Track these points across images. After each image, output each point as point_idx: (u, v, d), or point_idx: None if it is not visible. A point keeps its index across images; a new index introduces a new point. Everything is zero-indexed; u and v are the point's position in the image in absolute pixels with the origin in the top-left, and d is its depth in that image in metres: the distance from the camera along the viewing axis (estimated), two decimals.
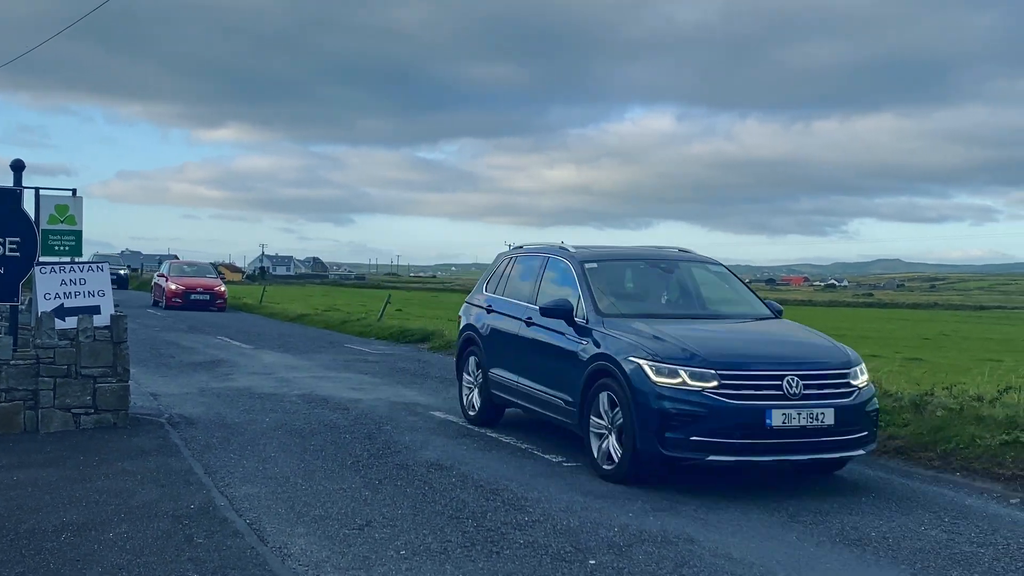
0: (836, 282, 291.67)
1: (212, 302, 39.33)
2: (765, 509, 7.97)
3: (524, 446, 10.46)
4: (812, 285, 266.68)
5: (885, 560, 6.66)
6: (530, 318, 10.52)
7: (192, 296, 39.05)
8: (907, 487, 9.00)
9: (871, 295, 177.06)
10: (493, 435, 11.08)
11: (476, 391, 11.76)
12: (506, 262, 12.03)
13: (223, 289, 40.64)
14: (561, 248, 10.93)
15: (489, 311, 11.69)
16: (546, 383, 10.08)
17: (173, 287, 39.33)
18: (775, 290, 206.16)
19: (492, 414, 11.57)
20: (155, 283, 44.01)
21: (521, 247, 12.08)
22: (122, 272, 63.29)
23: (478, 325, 11.83)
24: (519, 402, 10.78)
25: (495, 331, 11.39)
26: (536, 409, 10.43)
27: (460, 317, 12.56)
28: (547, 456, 9.95)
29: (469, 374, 11.97)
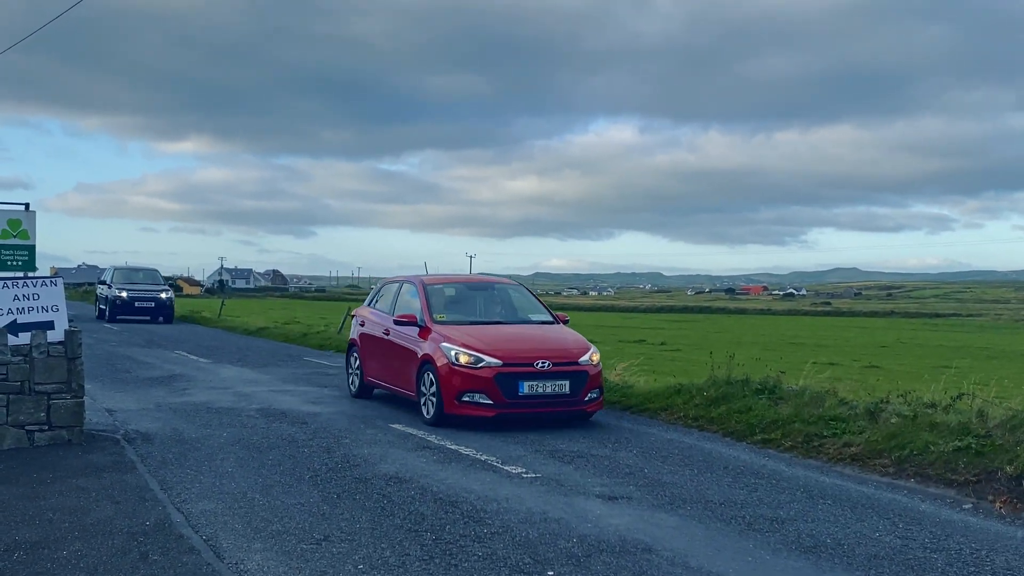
0: (795, 291, 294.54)
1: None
2: (722, 518, 8.03)
3: (484, 458, 10.46)
4: (771, 294, 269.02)
5: (840, 567, 6.74)
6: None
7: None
8: (862, 494, 9.11)
9: (829, 304, 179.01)
10: (453, 447, 11.07)
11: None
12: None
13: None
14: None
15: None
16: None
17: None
18: (734, 299, 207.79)
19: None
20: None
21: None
22: (164, 296, 39.28)
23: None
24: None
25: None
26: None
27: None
28: (506, 468, 9.96)
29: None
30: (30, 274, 11.45)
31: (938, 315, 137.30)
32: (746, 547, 7.18)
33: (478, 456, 10.56)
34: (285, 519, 7.71)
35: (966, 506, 8.74)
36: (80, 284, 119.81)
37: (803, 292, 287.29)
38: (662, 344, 48.09)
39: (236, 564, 6.52)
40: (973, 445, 9.57)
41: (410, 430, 12.27)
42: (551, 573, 6.41)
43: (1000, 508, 8.58)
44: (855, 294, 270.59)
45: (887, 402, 11.61)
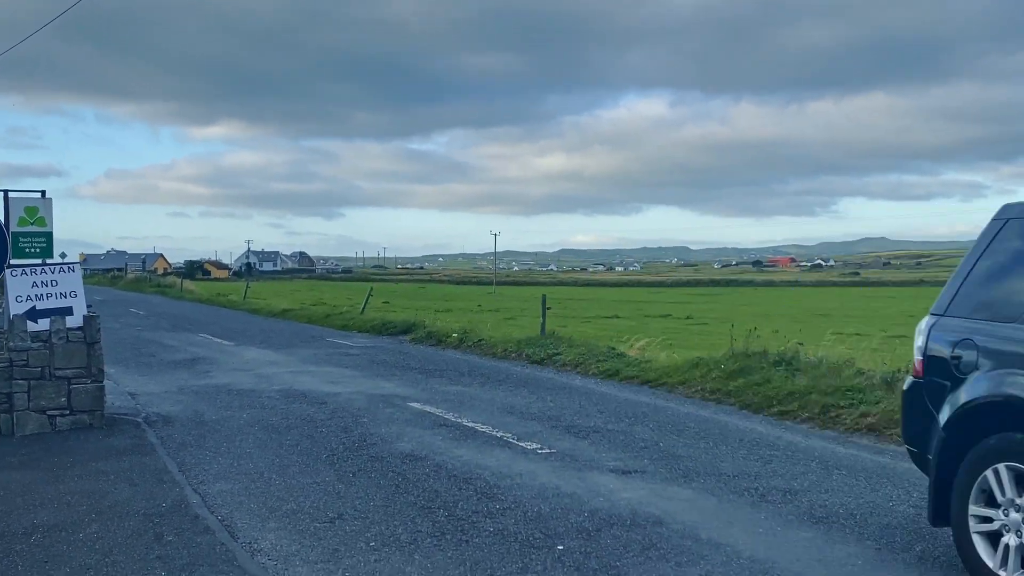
0: (822, 262, 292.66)
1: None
2: (735, 490, 8.03)
3: (500, 434, 10.50)
4: (799, 266, 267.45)
5: (851, 537, 6.72)
6: None
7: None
8: (878, 464, 9.08)
9: (857, 274, 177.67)
10: (469, 424, 11.12)
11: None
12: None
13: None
14: None
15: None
16: None
17: None
18: (762, 271, 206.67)
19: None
20: None
21: None
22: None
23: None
24: None
25: None
26: None
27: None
28: (522, 444, 9.99)
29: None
30: (48, 261, 11.56)
31: None
32: (757, 519, 7.17)
33: (494, 433, 10.60)
34: (300, 498, 7.78)
35: None
36: (109, 270, 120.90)
37: (831, 263, 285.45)
38: (688, 318, 48.03)
39: (250, 543, 6.59)
40: None
41: (428, 408, 12.33)
42: (561, 547, 6.44)
43: None
44: (884, 264, 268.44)
45: (905, 372, 11.51)
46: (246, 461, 9.23)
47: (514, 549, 6.41)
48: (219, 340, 23.29)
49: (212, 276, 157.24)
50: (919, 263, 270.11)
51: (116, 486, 8.17)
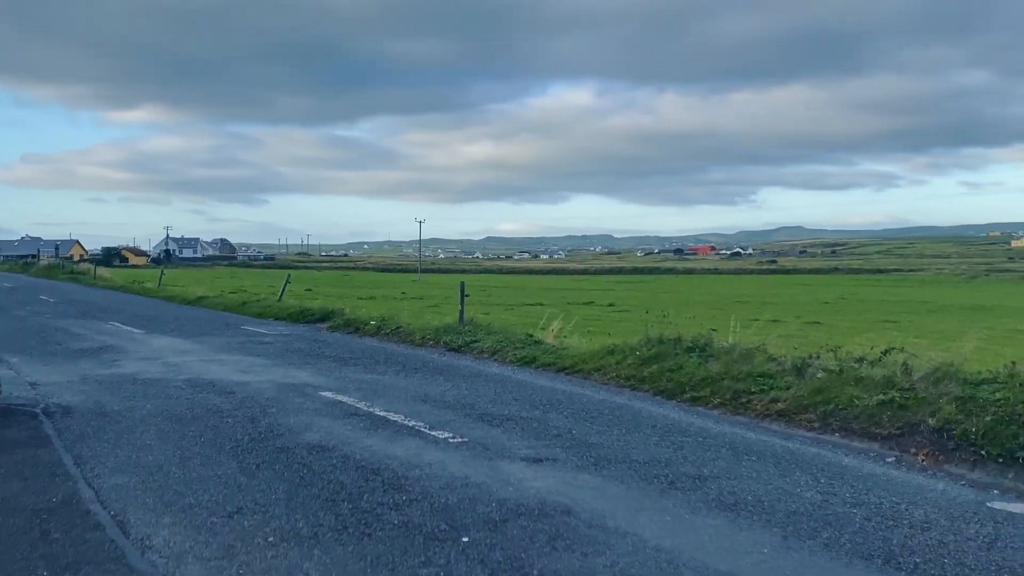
0: (741, 250, 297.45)
1: None
2: (645, 477, 7.97)
3: (411, 423, 10.32)
4: (719, 254, 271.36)
5: (758, 524, 6.70)
6: None
7: None
8: (787, 449, 9.11)
9: (775, 262, 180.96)
10: (381, 414, 10.91)
11: None
12: None
13: None
14: None
15: None
16: None
17: None
18: (683, 259, 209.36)
19: None
20: None
21: None
22: None
23: None
24: None
25: None
26: None
27: None
28: (433, 433, 9.82)
29: None
30: None
31: (881, 271, 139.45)
32: (666, 506, 7.12)
33: (406, 422, 10.42)
34: (199, 492, 7.51)
35: (889, 459, 8.78)
36: (23, 257, 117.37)
37: (749, 251, 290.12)
38: (610, 305, 48.34)
39: (142, 540, 6.32)
40: (897, 398, 9.62)
41: (340, 397, 12.09)
42: (466, 539, 6.29)
43: (922, 461, 8.63)
44: (800, 252, 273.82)
45: (816, 357, 11.64)
46: (146, 453, 8.91)
47: (418, 542, 6.25)
48: (129, 328, 22.65)
49: (130, 263, 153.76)
50: (834, 251, 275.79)
51: (5, 480, 7.79)
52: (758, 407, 10.71)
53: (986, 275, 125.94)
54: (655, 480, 7.89)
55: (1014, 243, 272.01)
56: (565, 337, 17.28)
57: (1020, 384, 8.93)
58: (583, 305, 47.24)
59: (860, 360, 11.18)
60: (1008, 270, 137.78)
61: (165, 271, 53.03)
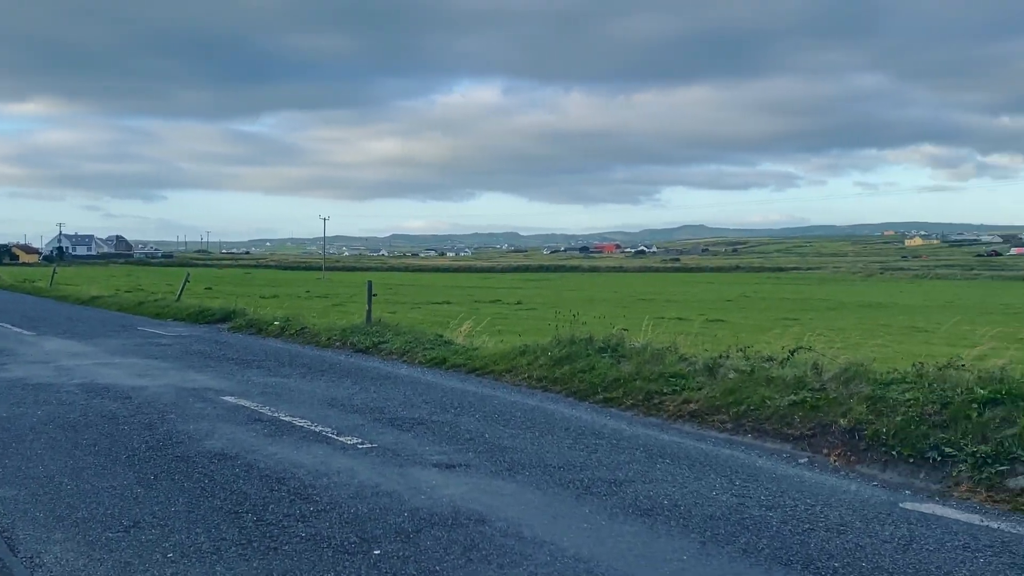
0: (646, 248, 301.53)
1: None
2: (560, 483, 7.81)
3: (318, 429, 9.99)
4: (623, 252, 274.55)
5: (676, 529, 6.59)
6: None
7: None
8: (701, 451, 9.06)
9: (678, 260, 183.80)
10: (286, 419, 10.55)
11: None
12: None
13: None
14: None
15: None
16: None
17: None
18: (588, 257, 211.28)
19: None
20: None
21: None
22: None
23: None
24: None
25: None
26: None
27: None
28: (341, 439, 9.51)
29: None
30: None
31: (781, 269, 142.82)
32: (583, 513, 6.97)
33: (313, 427, 10.08)
34: (93, 505, 7.09)
35: (802, 460, 8.79)
36: None
37: (654, 249, 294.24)
38: (518, 303, 48.30)
39: (31, 558, 5.91)
40: (808, 399, 9.65)
41: (243, 402, 11.67)
42: (377, 552, 6.04)
43: (834, 461, 8.66)
44: (702, 250, 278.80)
45: (726, 357, 11.66)
46: (36, 464, 8.41)
47: (327, 556, 5.97)
48: (18, 329, 21.69)
49: (20, 261, 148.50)
50: (735, 250, 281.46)
51: None
52: (671, 408, 10.66)
53: (881, 273, 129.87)
54: (571, 485, 7.73)
55: (907, 242, 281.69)
56: (475, 337, 17.08)
57: (928, 384, 9.03)
58: (490, 303, 47.13)
59: (770, 360, 11.23)
60: (901, 268, 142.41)
61: (57, 269, 51.13)
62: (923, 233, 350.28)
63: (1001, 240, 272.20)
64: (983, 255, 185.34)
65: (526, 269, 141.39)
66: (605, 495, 7.45)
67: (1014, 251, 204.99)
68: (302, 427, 10.10)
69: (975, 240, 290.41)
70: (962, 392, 8.66)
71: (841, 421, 9.04)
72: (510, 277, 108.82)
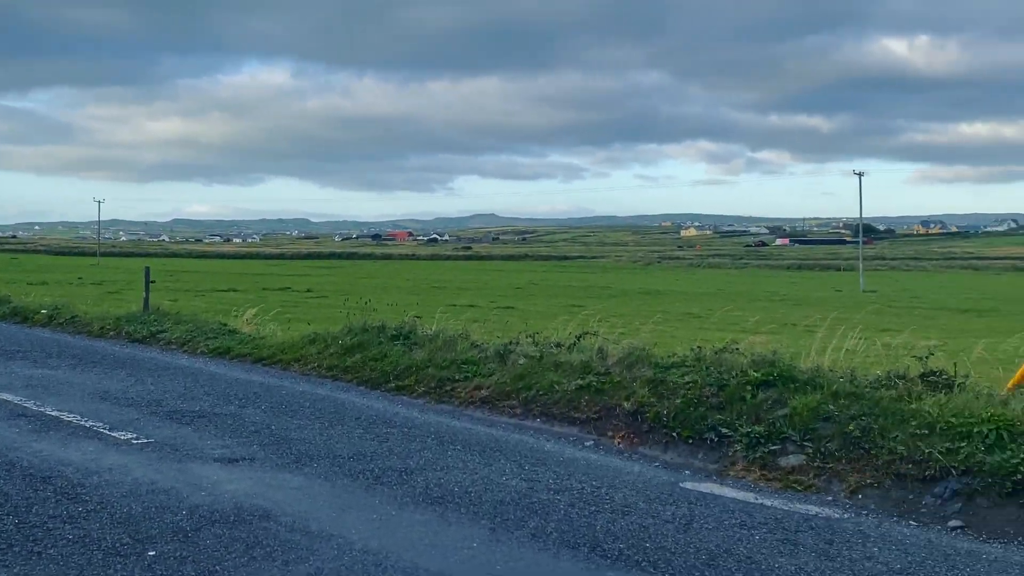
0: (438, 236, 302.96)
1: None
2: (350, 474, 7.64)
3: (89, 424, 9.37)
4: (416, 240, 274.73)
5: (467, 517, 6.56)
6: None
7: None
8: (491, 437, 9.10)
9: (470, 248, 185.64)
10: (54, 413, 9.85)
11: None
12: None
13: None
14: None
15: None
16: None
17: None
18: (381, 245, 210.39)
19: None
20: None
21: None
22: None
23: None
24: None
25: None
26: None
27: None
28: (115, 434, 8.96)
29: None
30: None
31: (567, 258, 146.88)
32: (372, 503, 6.83)
33: (83, 422, 9.45)
34: None
35: (588, 443, 8.98)
36: None
37: (446, 237, 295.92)
38: (308, 291, 47.41)
39: None
40: (594, 383, 9.86)
41: (4, 396, 10.83)
42: (153, 553, 5.69)
43: (619, 443, 8.88)
44: (493, 239, 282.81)
45: (517, 343, 11.77)
46: None
47: (97, 559, 5.58)
48: None
49: None
50: (524, 239, 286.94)
51: None
52: (462, 395, 10.67)
53: (659, 262, 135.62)
54: (360, 476, 7.57)
55: (683, 233, 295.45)
56: (262, 325, 16.56)
57: (706, 368, 9.41)
58: (280, 291, 46.05)
59: (558, 345, 11.42)
60: (678, 258, 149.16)
61: None
62: (698, 224, 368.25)
63: (767, 232, 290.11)
64: (751, 246, 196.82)
65: (317, 256, 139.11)
66: (396, 484, 7.34)
67: (779, 242, 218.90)
68: (71, 422, 9.45)
69: (744, 231, 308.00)
70: (737, 375, 9.07)
71: (625, 404, 9.29)
72: (301, 264, 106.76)
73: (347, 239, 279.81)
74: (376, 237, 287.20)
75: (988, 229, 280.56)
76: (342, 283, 56.76)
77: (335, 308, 25.74)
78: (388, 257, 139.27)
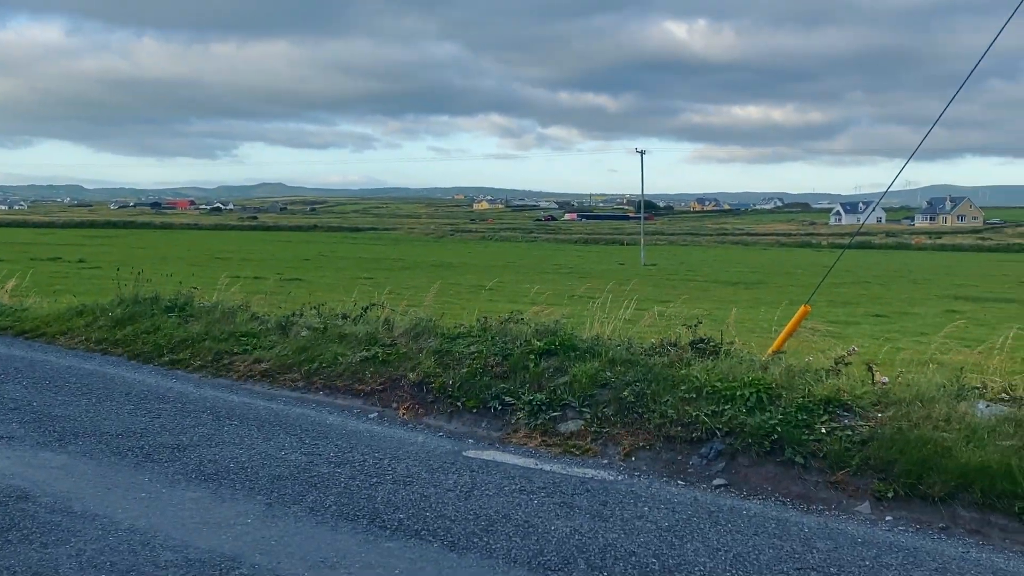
0: (222, 205, 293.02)
1: None
2: (118, 451, 7.27)
3: None
4: (198, 209, 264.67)
5: (242, 493, 6.37)
6: None
7: None
8: (271, 411, 8.87)
9: (256, 218, 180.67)
10: None
11: None
12: None
13: None
14: None
15: None
16: None
17: None
18: (160, 214, 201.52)
19: None
20: None
21: None
22: None
23: None
24: None
25: None
26: None
27: None
28: None
29: None
30: None
31: (358, 229, 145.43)
32: (141, 482, 6.52)
33: None
34: None
35: (372, 415, 8.90)
36: None
37: (231, 207, 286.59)
38: (80, 261, 44.79)
39: None
40: (380, 354, 9.78)
41: None
42: None
43: (403, 415, 8.85)
44: (281, 209, 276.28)
45: (300, 315, 11.52)
46: None
47: None
48: None
49: None
50: (313, 209, 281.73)
51: None
52: (241, 368, 10.34)
53: (452, 235, 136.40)
54: (129, 453, 7.22)
55: (475, 206, 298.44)
56: (25, 296, 15.49)
57: (492, 338, 9.51)
58: (49, 261, 43.34)
59: (344, 317, 11.26)
60: (470, 231, 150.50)
61: None
62: (490, 198, 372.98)
63: (557, 206, 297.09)
64: (540, 220, 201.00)
65: (91, 225, 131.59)
66: (167, 462, 7.04)
67: (567, 216, 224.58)
68: None
69: (535, 206, 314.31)
70: (521, 344, 9.22)
71: (410, 375, 9.27)
72: (73, 233, 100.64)
73: (124, 207, 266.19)
74: (156, 205, 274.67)
75: (757, 207, 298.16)
76: (118, 253, 54.00)
77: (109, 280, 24.42)
78: (168, 227, 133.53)
